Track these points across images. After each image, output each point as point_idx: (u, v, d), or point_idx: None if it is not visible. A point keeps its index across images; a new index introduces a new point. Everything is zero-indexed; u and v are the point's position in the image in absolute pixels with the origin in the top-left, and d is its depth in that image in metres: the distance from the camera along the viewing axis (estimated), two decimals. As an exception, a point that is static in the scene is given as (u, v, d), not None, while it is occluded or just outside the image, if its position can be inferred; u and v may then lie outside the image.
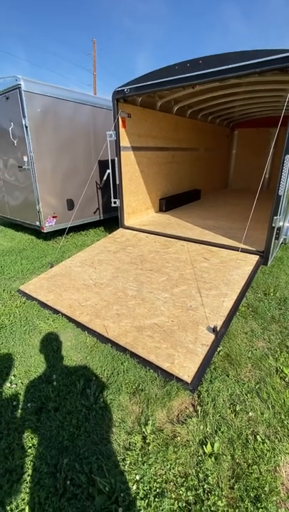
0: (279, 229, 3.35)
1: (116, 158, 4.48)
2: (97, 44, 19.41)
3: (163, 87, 3.62)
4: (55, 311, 2.78)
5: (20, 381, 2.00)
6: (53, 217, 4.81)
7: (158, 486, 1.37)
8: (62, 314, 2.72)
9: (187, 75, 3.35)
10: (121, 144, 4.44)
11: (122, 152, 4.48)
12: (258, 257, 3.42)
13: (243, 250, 3.48)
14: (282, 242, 4.24)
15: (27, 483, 1.39)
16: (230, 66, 3.01)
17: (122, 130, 4.42)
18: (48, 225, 4.77)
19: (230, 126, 8.53)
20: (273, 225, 3.25)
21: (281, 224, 3.37)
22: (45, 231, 4.77)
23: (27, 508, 1.29)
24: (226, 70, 3.05)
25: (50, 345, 2.36)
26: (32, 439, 1.60)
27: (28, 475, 1.42)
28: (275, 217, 3.20)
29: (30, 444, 1.57)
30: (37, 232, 5.36)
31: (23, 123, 4.16)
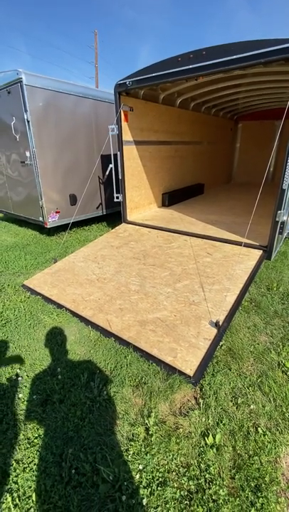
0: (283, 223, 3.32)
1: (118, 153, 4.45)
2: (98, 37, 19.07)
3: (166, 79, 3.57)
4: (59, 306, 2.81)
5: (25, 374, 2.04)
6: (56, 212, 4.82)
7: (160, 475, 1.40)
8: (66, 309, 2.75)
9: (190, 66, 3.29)
10: (123, 138, 4.41)
11: (124, 146, 4.45)
12: (261, 251, 3.41)
13: (247, 245, 3.47)
14: (286, 237, 4.21)
15: (33, 471, 1.43)
16: (234, 57, 2.96)
17: (124, 124, 4.39)
18: (51, 221, 4.78)
19: (234, 118, 8.40)
20: (277, 219, 3.23)
21: (285, 218, 3.34)
22: (48, 226, 4.79)
23: (34, 494, 1.33)
24: (231, 60, 2.99)
25: (55, 339, 2.40)
26: (38, 429, 1.64)
27: (35, 464, 1.47)
28: (279, 212, 3.18)
29: (36, 435, 1.61)
30: (40, 228, 5.39)
31: (25, 117, 4.14)
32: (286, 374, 1.99)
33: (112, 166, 4.62)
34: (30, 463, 1.47)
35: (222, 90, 5.35)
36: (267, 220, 3.80)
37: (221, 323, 2.30)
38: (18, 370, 2.07)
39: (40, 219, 4.78)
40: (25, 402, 1.81)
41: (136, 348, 2.20)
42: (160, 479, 1.39)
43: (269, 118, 7.80)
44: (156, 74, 3.59)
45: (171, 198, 6.00)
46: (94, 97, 4.96)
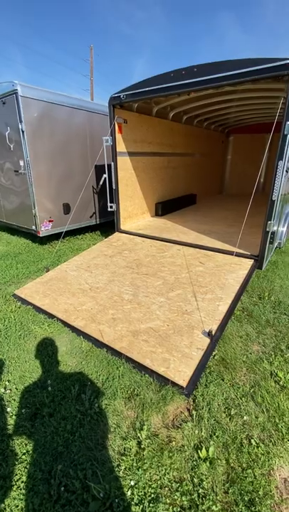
0: (273, 233, 3.39)
1: (112, 163, 4.51)
2: (94, 50, 19.60)
3: (159, 93, 3.68)
4: (51, 316, 2.77)
5: (14, 386, 1.98)
6: (49, 221, 4.81)
7: (153, 491, 1.37)
8: (58, 319, 2.71)
9: (182, 82, 3.41)
10: (117, 149, 4.48)
11: (118, 157, 4.52)
12: (252, 261, 3.46)
13: (238, 254, 3.51)
14: (276, 247, 4.29)
15: (21, 489, 1.38)
16: (224, 74, 3.08)
17: (118, 135, 4.47)
18: (44, 229, 4.77)
19: (226, 132, 8.65)
20: (267, 229, 3.30)
21: (275, 228, 3.41)
22: (41, 235, 4.76)
23: (20, 515, 1.28)
24: (221, 77, 3.12)
25: (45, 350, 2.35)
26: (26, 445, 1.59)
27: (22, 481, 1.41)
28: (269, 222, 3.25)
29: (25, 451, 1.56)
30: (33, 236, 5.35)
31: (20, 128, 4.18)
32: (278, 384, 1.99)
33: (106, 176, 4.67)
34: (17, 480, 1.42)
35: (213, 105, 5.53)
36: (258, 229, 3.87)
37: (213, 333, 2.30)
38: (7, 383, 2.02)
39: (33, 228, 4.76)
40: (13, 417, 1.76)
41: (128, 359, 2.17)
42: (152, 495, 1.35)
43: (259, 132, 8.06)
44: (149, 88, 3.69)
45: (164, 208, 6.07)
46: (88, 109, 5.05)
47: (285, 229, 4.05)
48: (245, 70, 2.93)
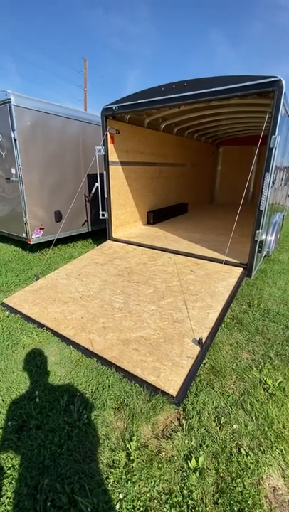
0: (261, 242, 3.48)
1: (104, 172, 4.56)
2: (88, 62, 20.02)
3: (150, 106, 3.78)
4: (40, 325, 2.73)
5: (1, 398, 1.93)
6: (40, 228, 4.78)
7: (142, 504, 1.34)
8: (47, 328, 2.67)
9: (173, 95, 3.52)
10: (109, 159, 4.54)
11: (110, 166, 4.58)
12: (241, 269, 3.52)
13: (228, 263, 3.57)
14: (265, 255, 4.38)
15: (5, 506, 1.33)
16: (212, 89, 3.20)
17: (110, 145, 4.53)
18: (35, 237, 4.73)
19: (216, 143, 8.90)
20: (256, 238, 3.38)
21: (263, 237, 3.50)
22: (31, 243, 4.73)
23: (4, 534, 1.23)
24: (209, 92, 3.24)
25: (34, 360, 2.31)
26: (12, 459, 1.54)
27: (7, 497, 1.36)
28: (258, 231, 3.33)
29: (10, 465, 1.51)
30: (23, 244, 5.30)
31: (12, 136, 4.19)
32: (267, 391, 2.01)
33: (98, 184, 4.71)
34: (2, 496, 1.37)
35: (203, 118, 5.71)
36: (247, 239, 3.96)
37: (204, 341, 2.32)
38: (-7, 395, 1.96)
39: (24, 235, 4.72)
40: (-1, 430, 1.71)
41: (118, 368, 2.15)
42: (141, 508, 1.33)
43: (247, 144, 8.32)
44: (141, 101, 3.79)
45: (156, 216, 6.14)
46: (81, 119, 5.13)
47: (273, 238, 4.16)
48: (233, 86, 3.06)
